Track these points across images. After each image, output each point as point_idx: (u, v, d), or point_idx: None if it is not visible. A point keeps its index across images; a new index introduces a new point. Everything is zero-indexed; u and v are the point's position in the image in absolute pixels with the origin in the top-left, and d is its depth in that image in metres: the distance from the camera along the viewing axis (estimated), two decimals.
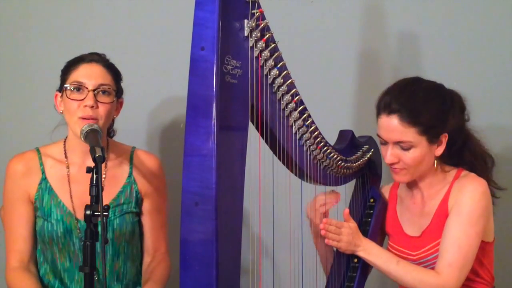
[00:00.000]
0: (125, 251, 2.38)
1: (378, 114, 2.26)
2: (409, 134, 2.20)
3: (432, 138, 2.23)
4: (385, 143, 2.25)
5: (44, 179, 2.34)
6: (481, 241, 2.23)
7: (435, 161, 2.30)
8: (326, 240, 2.24)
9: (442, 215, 2.26)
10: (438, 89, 2.28)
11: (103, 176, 2.35)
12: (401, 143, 2.21)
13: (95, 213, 1.86)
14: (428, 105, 2.22)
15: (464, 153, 2.34)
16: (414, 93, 2.24)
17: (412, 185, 2.37)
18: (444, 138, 2.25)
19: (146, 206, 2.43)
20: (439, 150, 2.26)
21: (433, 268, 2.23)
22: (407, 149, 2.21)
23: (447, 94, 2.28)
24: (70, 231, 2.29)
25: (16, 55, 2.97)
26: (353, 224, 2.25)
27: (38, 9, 2.97)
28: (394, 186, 2.49)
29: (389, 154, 2.23)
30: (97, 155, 1.90)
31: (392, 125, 2.21)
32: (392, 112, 2.20)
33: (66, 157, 2.37)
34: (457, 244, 2.18)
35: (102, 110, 2.28)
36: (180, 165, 1.81)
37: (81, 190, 2.24)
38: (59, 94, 2.34)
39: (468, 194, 2.22)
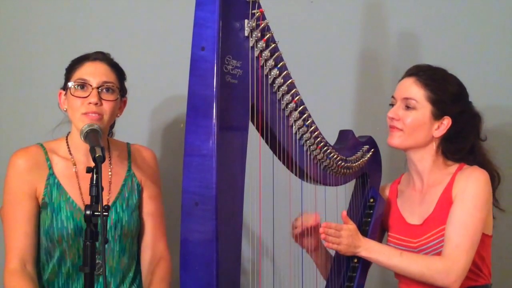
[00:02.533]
0: (130, 248, 2.39)
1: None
2: (418, 94, 2.31)
3: (437, 111, 2.31)
4: (392, 104, 2.36)
5: (51, 174, 2.33)
6: (482, 233, 2.26)
7: (437, 153, 2.35)
8: (325, 244, 2.24)
9: (445, 203, 2.29)
10: (462, 84, 2.38)
11: (109, 173, 2.38)
12: (407, 100, 2.31)
13: (95, 213, 1.86)
14: (447, 83, 2.34)
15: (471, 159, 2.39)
16: (440, 71, 2.37)
17: (412, 175, 2.41)
18: (447, 122, 2.31)
19: (145, 200, 2.43)
20: (438, 132, 2.33)
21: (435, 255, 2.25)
22: (410, 108, 2.31)
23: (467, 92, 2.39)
24: (80, 228, 2.28)
25: (18, 54, 2.97)
26: (352, 226, 2.25)
27: (41, 8, 2.96)
28: (394, 182, 2.52)
29: (394, 109, 2.34)
30: (97, 155, 1.90)
31: (407, 83, 2.35)
32: (412, 75, 2.35)
33: (70, 154, 2.37)
34: (464, 227, 2.21)
35: (106, 106, 2.29)
36: (180, 165, 1.81)
37: (88, 187, 2.24)
38: (63, 92, 2.35)
39: (473, 181, 2.26)
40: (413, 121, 2.31)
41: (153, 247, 2.43)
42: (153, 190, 2.45)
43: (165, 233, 2.47)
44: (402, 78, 2.39)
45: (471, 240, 2.20)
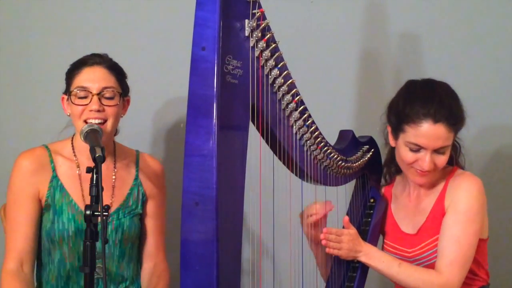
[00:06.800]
0: (130, 253, 2.39)
1: (414, 122, 2.20)
2: (451, 138, 2.22)
3: (454, 138, 2.27)
4: (418, 150, 2.22)
5: (55, 176, 2.33)
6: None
7: None
8: (327, 249, 2.24)
9: (438, 213, 2.27)
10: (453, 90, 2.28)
11: (113, 176, 2.38)
12: (442, 149, 2.21)
13: (95, 213, 1.86)
14: (459, 109, 2.24)
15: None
16: (448, 97, 2.23)
17: (410, 185, 2.38)
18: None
19: (150, 208, 2.44)
20: None
21: (429, 266, 2.24)
22: (443, 153, 2.22)
23: None
24: (81, 230, 2.27)
25: (22, 56, 2.96)
26: (353, 231, 2.25)
27: (43, 8, 2.96)
28: (388, 186, 2.50)
29: (429, 162, 2.20)
30: (97, 155, 1.89)
31: (439, 133, 2.19)
32: (439, 121, 2.18)
33: (75, 155, 2.37)
34: (457, 243, 2.18)
35: (109, 111, 2.30)
36: (181, 165, 1.81)
37: None
38: (66, 97, 2.35)
39: (464, 192, 2.23)
40: (446, 161, 2.24)
41: (155, 256, 2.44)
42: (159, 203, 2.45)
43: (165, 242, 2.49)
44: (420, 121, 2.18)
45: (465, 256, 2.19)
